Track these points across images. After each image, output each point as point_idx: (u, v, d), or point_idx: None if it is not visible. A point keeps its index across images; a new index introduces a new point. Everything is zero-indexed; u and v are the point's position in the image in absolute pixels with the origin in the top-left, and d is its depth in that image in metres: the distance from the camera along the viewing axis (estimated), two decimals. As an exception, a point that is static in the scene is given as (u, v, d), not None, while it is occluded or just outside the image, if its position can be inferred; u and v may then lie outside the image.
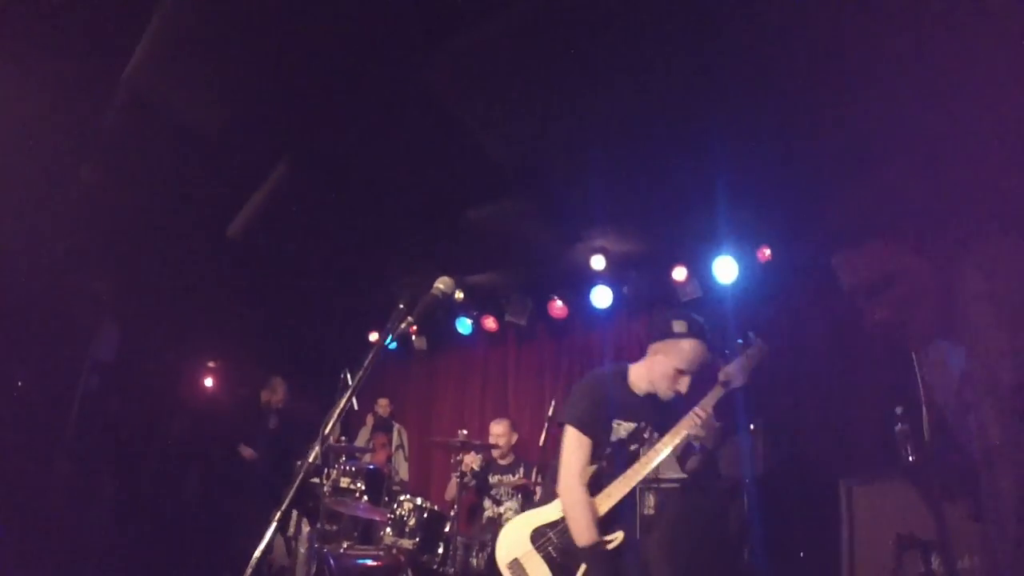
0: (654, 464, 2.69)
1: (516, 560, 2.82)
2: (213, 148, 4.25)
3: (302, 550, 3.53)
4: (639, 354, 5.17)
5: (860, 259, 3.48)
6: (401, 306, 2.28)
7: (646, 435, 2.82)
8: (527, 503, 5.01)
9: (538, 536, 2.81)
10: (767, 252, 4.76)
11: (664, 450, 2.68)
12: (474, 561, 4.50)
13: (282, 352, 6.63)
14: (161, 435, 6.19)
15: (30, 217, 4.42)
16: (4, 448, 4.00)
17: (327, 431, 2.31)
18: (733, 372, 2.73)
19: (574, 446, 2.73)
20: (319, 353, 6.75)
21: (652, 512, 4.29)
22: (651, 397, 2.79)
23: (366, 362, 2.16)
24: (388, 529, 4.44)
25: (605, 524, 2.68)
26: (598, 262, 5.35)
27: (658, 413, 2.80)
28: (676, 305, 2.99)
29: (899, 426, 3.41)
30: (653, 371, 2.75)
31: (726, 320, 4.90)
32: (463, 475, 4.73)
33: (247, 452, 5.92)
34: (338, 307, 6.41)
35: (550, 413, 4.92)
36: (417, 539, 4.40)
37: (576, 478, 2.70)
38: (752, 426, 4.01)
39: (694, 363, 2.69)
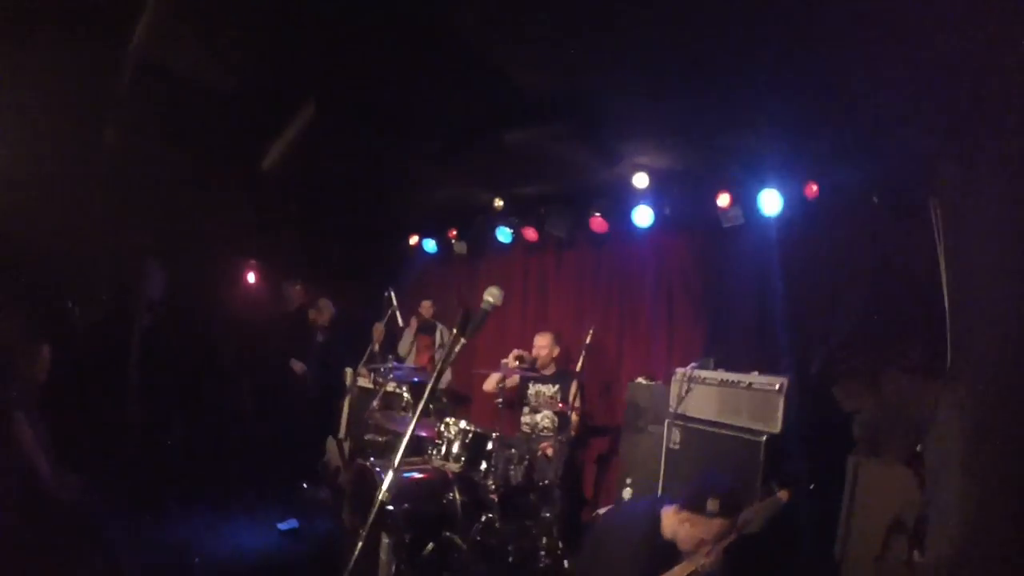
0: None
1: None
2: (234, 96, 4.21)
3: (383, 557, 3.91)
4: (679, 273, 5.30)
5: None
6: (454, 330, 2.43)
7: None
8: (562, 422, 5.36)
9: None
10: (814, 188, 4.58)
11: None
12: (513, 473, 4.91)
13: (328, 271, 6.80)
14: (215, 361, 6.57)
15: (64, 183, 4.50)
16: (76, 398, 4.35)
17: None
18: (750, 518, 2.88)
19: None
20: (364, 267, 6.91)
21: (677, 447, 4.59)
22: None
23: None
24: (434, 452, 4.85)
25: None
26: (641, 180, 5.24)
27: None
28: (714, 475, 3.01)
29: None
30: (677, 534, 2.84)
31: (768, 251, 4.89)
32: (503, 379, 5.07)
33: (298, 367, 6.31)
34: (378, 220, 6.46)
35: (588, 341, 5.07)
36: (463, 460, 4.82)
37: None
38: (778, 384, 4.07)
39: (720, 538, 2.78)
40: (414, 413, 2.41)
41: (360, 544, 2.38)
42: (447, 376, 6.66)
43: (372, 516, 2.40)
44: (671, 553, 2.90)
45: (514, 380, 5.60)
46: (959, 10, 3.06)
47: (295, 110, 4.62)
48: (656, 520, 2.96)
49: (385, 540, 3.92)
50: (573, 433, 5.35)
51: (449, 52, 3.98)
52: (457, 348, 2.42)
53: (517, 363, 5.48)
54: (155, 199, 5.33)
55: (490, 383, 5.41)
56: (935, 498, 1.75)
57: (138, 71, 3.94)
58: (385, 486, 2.39)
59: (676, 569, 2.84)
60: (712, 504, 2.73)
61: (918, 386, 3.71)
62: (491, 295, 2.54)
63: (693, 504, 2.78)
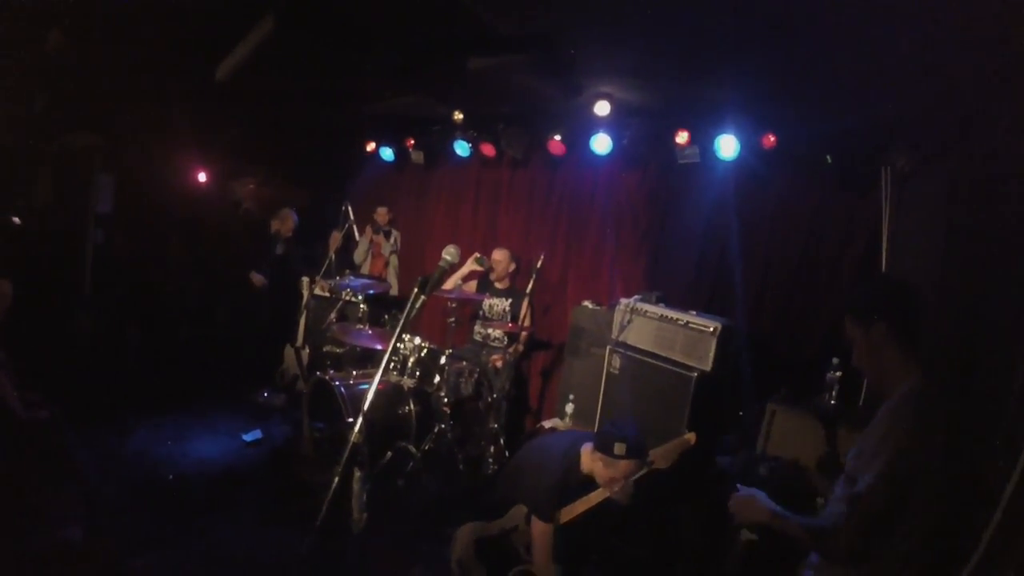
0: (573, 516, 3.32)
1: (460, 559, 3.53)
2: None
3: (355, 487, 4.17)
4: (630, 202, 5.49)
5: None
6: (415, 288, 2.62)
7: None
8: (511, 335, 5.68)
9: (481, 547, 3.54)
10: (772, 139, 4.74)
11: (593, 501, 3.28)
12: (463, 385, 5.26)
13: (282, 174, 6.66)
14: (170, 274, 6.48)
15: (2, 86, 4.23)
16: (27, 311, 4.34)
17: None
18: (659, 455, 3.26)
19: (542, 538, 3.34)
20: (320, 172, 6.79)
21: (616, 372, 4.99)
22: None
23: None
24: (392, 367, 5.14)
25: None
26: (602, 108, 5.27)
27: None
28: (621, 424, 3.33)
29: (831, 373, 3.84)
30: (594, 470, 3.29)
31: (718, 193, 5.11)
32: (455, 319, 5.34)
33: (257, 279, 6.33)
34: (336, 124, 6.31)
35: (538, 266, 5.29)
36: (417, 374, 5.15)
37: (545, 560, 3.33)
38: (713, 327, 4.40)
39: (629, 475, 3.20)
40: (418, 325, 2.62)
41: (336, 481, 2.64)
42: (394, 287, 6.84)
43: (345, 456, 2.64)
44: (587, 485, 3.35)
45: (471, 286, 5.84)
46: None
47: (249, 26, 4.41)
48: (575, 457, 3.40)
49: (357, 473, 4.24)
50: (521, 348, 5.69)
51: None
52: (418, 305, 2.59)
53: (475, 265, 5.74)
54: (101, 102, 5.06)
55: (449, 282, 5.63)
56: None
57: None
58: (357, 427, 2.63)
59: (592, 495, 3.30)
60: (619, 448, 3.17)
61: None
62: (448, 254, 2.77)
63: (604, 447, 3.21)
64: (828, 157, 4.60)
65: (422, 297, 2.60)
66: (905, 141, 4.22)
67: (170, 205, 6.64)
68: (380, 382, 5.10)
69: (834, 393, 3.84)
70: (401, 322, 2.59)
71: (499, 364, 5.45)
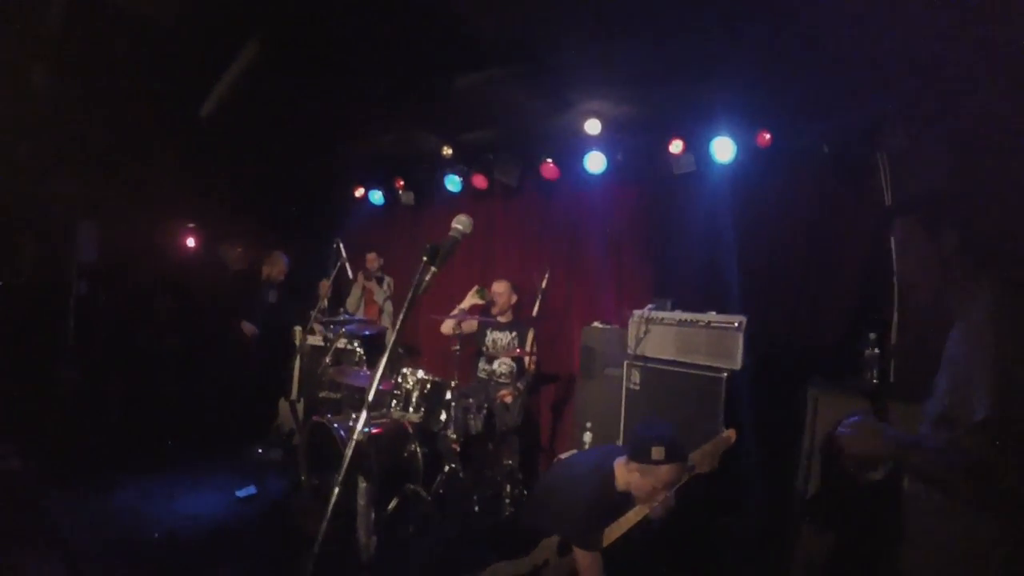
0: (614, 538, 2.96)
1: None
2: (172, 34, 3.88)
3: (361, 503, 3.79)
4: (630, 219, 5.32)
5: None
6: (424, 259, 2.29)
7: None
8: (519, 368, 5.36)
9: None
10: (767, 137, 4.66)
11: (632, 520, 2.94)
12: (472, 423, 4.89)
13: (276, 225, 6.50)
14: (156, 327, 6.22)
15: None
16: (6, 363, 4.03)
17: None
18: (700, 458, 2.94)
19: (595, 570, 2.96)
20: (308, 223, 6.64)
21: (637, 388, 4.67)
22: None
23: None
24: (394, 403, 4.77)
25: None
26: (593, 126, 5.20)
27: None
28: (655, 425, 3.05)
29: (868, 350, 3.61)
30: (631, 484, 2.95)
31: (719, 198, 4.97)
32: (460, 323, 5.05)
33: (248, 328, 6.04)
34: (324, 170, 6.19)
35: (543, 285, 5.04)
36: (422, 411, 4.77)
37: None
38: (736, 322, 4.17)
39: (672, 483, 2.88)
40: (382, 359, 2.28)
41: (336, 489, 2.26)
42: (389, 331, 6.55)
43: (347, 458, 2.28)
44: (625, 501, 2.99)
45: (471, 325, 5.55)
46: None
47: (234, 57, 4.33)
48: (609, 473, 3.04)
49: (362, 484, 3.83)
50: (531, 380, 5.37)
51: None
52: (428, 278, 2.27)
53: (476, 298, 5.46)
54: (87, 152, 4.90)
55: (447, 327, 5.33)
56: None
57: (70, 6, 3.58)
58: (360, 426, 2.29)
59: (629, 514, 2.94)
60: (657, 452, 2.83)
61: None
62: (460, 223, 2.41)
63: (639, 455, 2.87)
64: (824, 147, 4.51)
65: (432, 269, 2.30)
66: (897, 122, 4.16)
67: (156, 257, 6.40)
68: (380, 423, 4.85)
69: (875, 371, 3.58)
70: (409, 297, 2.28)
71: (508, 399, 5.11)
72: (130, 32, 3.80)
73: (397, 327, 2.25)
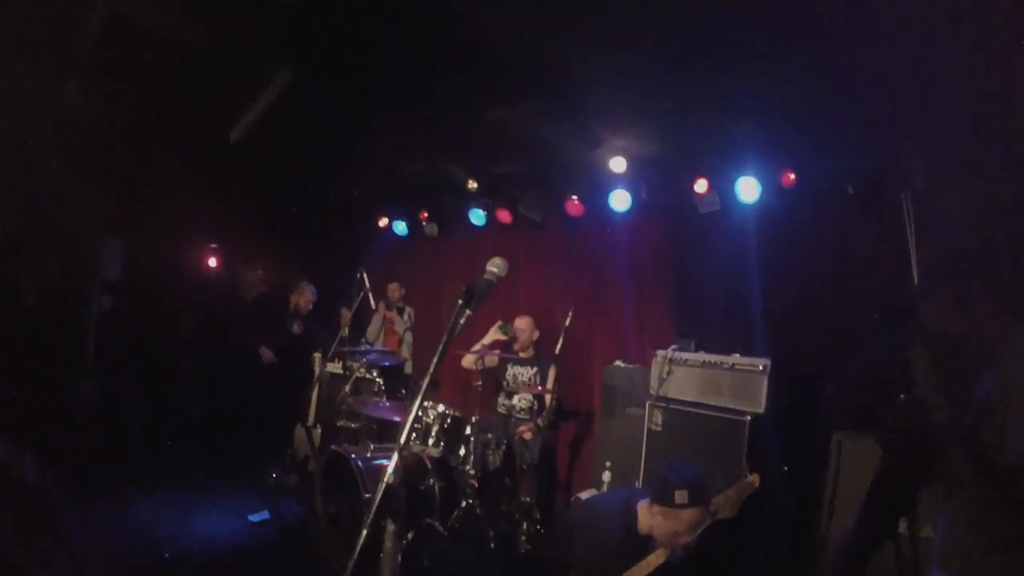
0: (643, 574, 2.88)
1: None
2: (205, 58, 3.97)
3: (388, 544, 3.76)
4: (654, 258, 5.32)
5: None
6: (460, 302, 2.29)
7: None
8: (539, 404, 5.33)
9: None
10: (791, 177, 4.66)
11: (652, 564, 2.86)
12: (491, 458, 4.85)
13: (298, 250, 6.57)
14: (176, 348, 6.27)
15: (15, 138, 4.17)
16: (27, 375, 4.07)
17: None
18: (723, 504, 2.89)
19: None
20: (331, 251, 6.70)
21: (659, 429, 4.62)
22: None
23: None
24: (414, 436, 4.75)
25: None
26: (618, 164, 5.23)
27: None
28: (679, 467, 3.01)
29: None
30: (653, 527, 2.88)
31: (743, 238, 4.96)
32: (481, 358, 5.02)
33: (266, 354, 6.08)
34: (348, 198, 6.26)
35: (567, 323, 5.04)
36: (442, 445, 4.74)
37: None
38: (761, 365, 4.14)
39: (694, 527, 2.81)
40: (415, 393, 2.27)
41: (364, 532, 2.23)
42: (408, 362, 6.55)
43: (377, 501, 2.25)
44: (647, 544, 2.92)
45: (493, 360, 5.53)
46: (936, 18, 3.17)
47: (265, 82, 4.42)
48: (632, 514, 2.97)
49: (390, 527, 3.79)
50: (551, 417, 5.33)
51: (428, 24, 3.87)
52: (462, 321, 2.27)
53: (499, 334, 5.44)
54: (115, 170, 4.99)
55: (468, 361, 5.32)
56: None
57: (103, 24, 3.68)
58: (391, 468, 2.27)
59: (650, 557, 2.86)
60: (680, 496, 2.76)
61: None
62: (495, 265, 2.39)
63: (662, 498, 2.80)
64: (849, 188, 4.51)
65: (467, 312, 2.30)
66: (921, 162, 4.16)
67: (178, 276, 6.47)
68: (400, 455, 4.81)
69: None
70: (444, 339, 2.27)
71: (527, 435, 5.07)
72: (162, 54, 3.88)
73: (431, 369, 2.23)
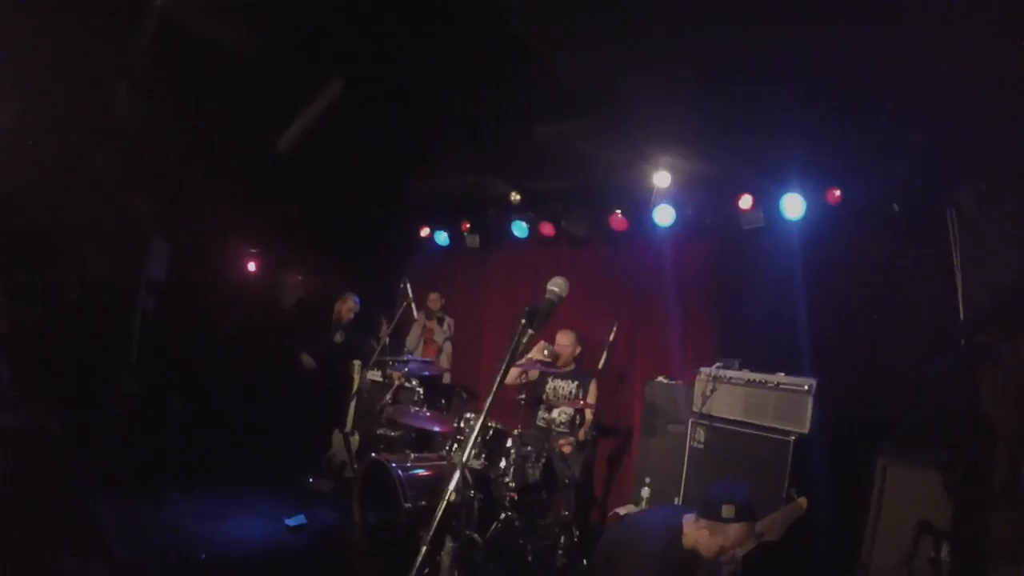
0: None
1: None
2: (255, 66, 4.09)
3: (446, 561, 3.81)
4: (698, 273, 5.29)
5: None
6: (523, 321, 2.29)
7: None
8: (580, 416, 5.32)
9: None
10: (837, 193, 4.61)
11: None
12: (531, 471, 4.84)
13: (340, 258, 6.66)
14: (217, 350, 6.38)
15: (68, 140, 4.31)
16: (69, 373, 4.18)
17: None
18: (769, 525, 2.87)
19: None
20: (372, 259, 6.78)
21: (701, 447, 4.57)
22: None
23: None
24: (454, 447, 4.78)
25: None
26: (662, 179, 5.22)
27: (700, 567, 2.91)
28: (729, 484, 2.97)
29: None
30: (699, 543, 2.83)
31: (788, 255, 4.91)
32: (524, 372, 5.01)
33: (307, 361, 6.18)
34: (391, 207, 6.34)
35: (611, 338, 5.02)
36: (483, 457, 4.75)
37: None
38: (807, 385, 4.08)
39: (740, 543, 2.77)
40: (487, 404, 2.29)
41: (424, 549, 2.23)
42: (447, 373, 6.58)
43: (438, 517, 2.25)
44: (692, 562, 2.87)
45: (534, 373, 5.53)
46: (983, 33, 3.12)
47: (315, 94, 4.51)
48: (677, 530, 2.92)
49: (449, 543, 3.82)
50: (594, 432, 5.31)
51: (477, 39, 3.93)
52: (525, 340, 2.28)
53: (545, 353, 5.42)
54: (163, 173, 5.13)
55: (511, 375, 5.32)
56: None
57: (157, 30, 3.80)
58: (452, 485, 2.26)
59: None
60: (727, 511, 2.72)
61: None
62: (556, 285, 2.40)
63: (709, 512, 2.76)
64: (895, 205, 4.47)
65: (529, 331, 2.30)
66: (968, 180, 4.13)
67: (222, 279, 6.60)
68: (437, 465, 4.83)
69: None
70: (507, 359, 2.27)
71: (567, 449, 5.06)
72: (213, 60, 3.98)
73: (495, 385, 2.24)
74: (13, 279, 4.40)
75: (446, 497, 2.16)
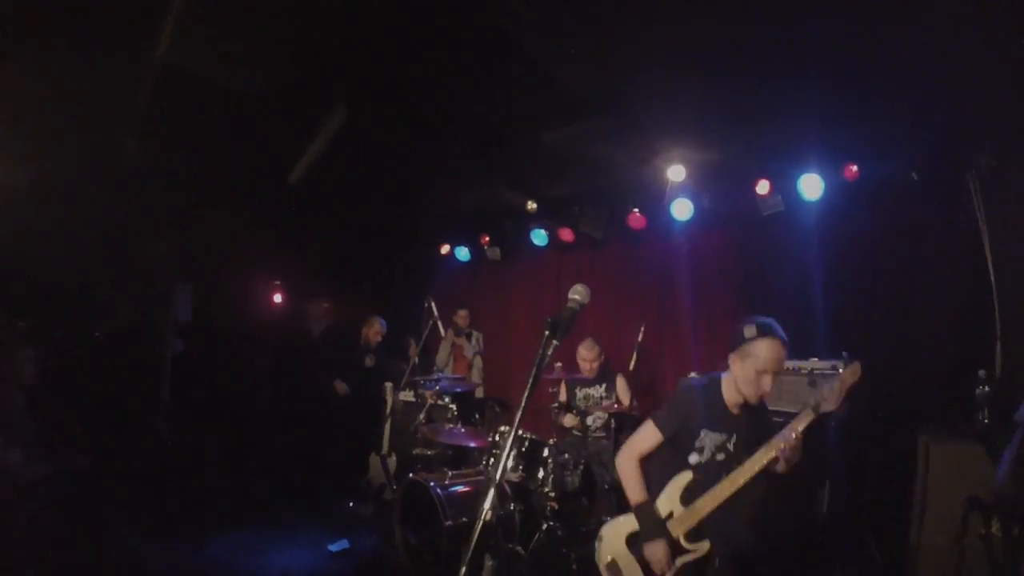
0: (741, 484, 2.71)
1: (613, 561, 3.01)
2: (259, 104, 4.16)
3: None
4: (720, 265, 5.23)
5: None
6: (547, 332, 2.28)
7: (730, 446, 2.87)
8: (619, 422, 5.25)
9: (633, 540, 2.97)
10: (854, 169, 4.52)
11: (751, 469, 2.70)
12: (569, 479, 4.81)
13: (363, 282, 6.74)
14: (252, 379, 6.49)
15: (81, 190, 4.43)
16: (101, 420, 4.28)
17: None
18: (826, 396, 2.69)
19: (646, 433, 2.89)
20: (395, 281, 6.84)
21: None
22: (743, 409, 2.86)
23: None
24: (490, 461, 4.76)
25: (694, 536, 2.80)
26: (677, 173, 5.18)
27: (748, 426, 2.86)
28: (745, 314, 2.90)
29: (980, 389, 3.38)
30: (737, 380, 2.81)
31: (809, 237, 4.82)
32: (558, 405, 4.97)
33: (341, 388, 6.24)
34: (409, 227, 6.40)
35: (639, 339, 4.97)
36: (520, 469, 4.73)
37: (634, 452, 2.89)
38: (840, 368, 3.98)
39: (770, 361, 2.72)
40: (516, 419, 2.28)
41: (463, 570, 2.22)
42: (480, 387, 6.59)
43: (475, 536, 2.23)
44: (731, 416, 2.85)
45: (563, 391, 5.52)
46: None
47: (321, 122, 4.57)
48: (716, 383, 2.90)
49: (488, 562, 3.82)
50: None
51: (478, 50, 3.94)
52: (550, 351, 2.27)
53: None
54: (180, 216, 5.26)
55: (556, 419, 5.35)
56: None
57: (162, 77, 3.90)
58: (487, 503, 2.25)
59: (754, 456, 2.69)
60: (748, 331, 2.73)
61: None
62: (578, 293, 2.39)
63: (736, 342, 2.76)
64: (913, 174, 4.38)
65: (554, 342, 2.30)
66: (987, 140, 4.04)
67: (248, 314, 6.73)
68: (475, 480, 4.82)
69: (987, 411, 3.36)
70: (534, 371, 2.27)
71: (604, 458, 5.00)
72: (218, 98, 4.07)
73: (525, 398, 2.23)
74: (41, 331, 4.53)
75: (482, 516, 2.16)
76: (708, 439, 2.86)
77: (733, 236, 5.39)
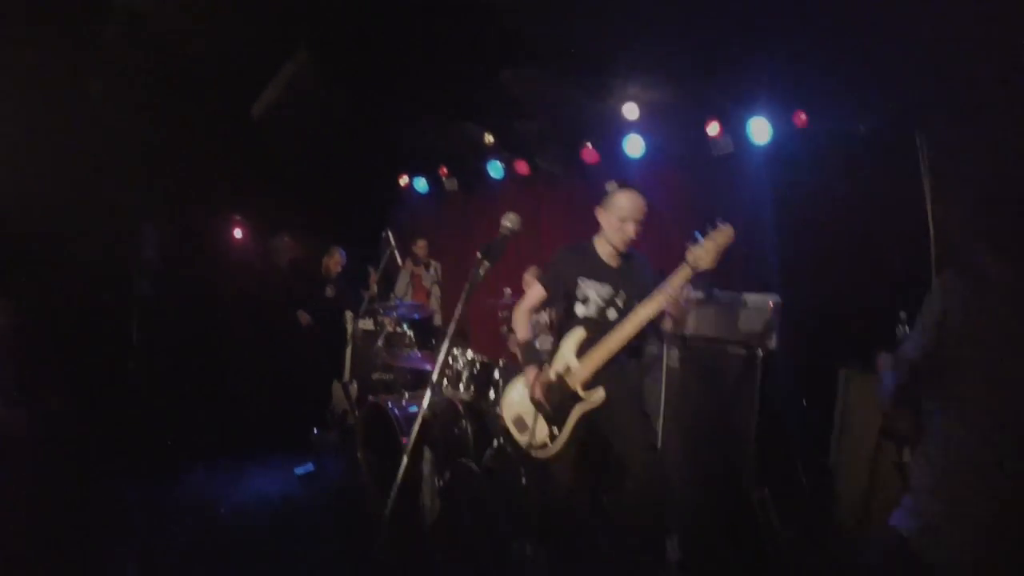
0: (629, 333, 3.02)
1: (520, 416, 3.34)
2: (223, 42, 4.14)
3: (426, 470, 4.08)
4: (670, 202, 5.43)
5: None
6: (479, 255, 2.59)
7: (619, 302, 3.23)
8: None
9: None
10: (803, 117, 4.70)
11: (637, 319, 3.00)
12: (519, 400, 5.09)
13: (324, 215, 6.77)
14: (218, 321, 6.56)
15: (45, 137, 4.40)
16: (73, 363, 4.36)
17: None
18: (700, 254, 2.90)
19: (532, 291, 3.42)
20: (355, 212, 6.88)
21: (676, 365, 4.79)
22: (620, 260, 3.26)
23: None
24: (445, 382, 5.02)
25: (589, 386, 3.14)
26: (631, 111, 5.32)
27: (627, 281, 3.25)
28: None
29: (900, 328, 3.66)
30: (606, 232, 3.21)
31: (757, 179, 5.03)
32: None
33: (304, 318, 6.37)
34: (369, 159, 6.42)
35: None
36: (472, 389, 5.01)
37: (523, 306, 3.44)
38: (771, 302, 4.25)
39: (630, 209, 3.16)
40: (442, 346, 2.59)
41: (405, 458, 2.54)
42: (437, 314, 6.85)
43: (415, 431, 2.57)
44: (605, 268, 3.29)
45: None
46: None
47: (283, 62, 4.57)
48: (588, 242, 3.39)
49: (427, 453, 4.12)
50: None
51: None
52: (482, 272, 2.56)
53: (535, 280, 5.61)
54: (141, 157, 5.22)
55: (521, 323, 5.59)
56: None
57: (124, 18, 3.87)
58: (426, 402, 2.59)
59: (638, 308, 3.01)
60: (609, 186, 3.24)
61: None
62: (509, 220, 2.69)
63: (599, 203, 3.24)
64: (860, 126, 4.55)
65: (485, 263, 2.58)
66: (940, 104, 4.17)
67: (212, 252, 6.78)
68: (433, 404, 5.09)
69: None
70: (465, 290, 2.57)
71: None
72: (181, 40, 4.06)
73: (456, 316, 2.53)
74: (8, 279, 4.55)
75: (420, 414, 2.51)
76: (591, 290, 3.23)
77: (684, 174, 5.57)
